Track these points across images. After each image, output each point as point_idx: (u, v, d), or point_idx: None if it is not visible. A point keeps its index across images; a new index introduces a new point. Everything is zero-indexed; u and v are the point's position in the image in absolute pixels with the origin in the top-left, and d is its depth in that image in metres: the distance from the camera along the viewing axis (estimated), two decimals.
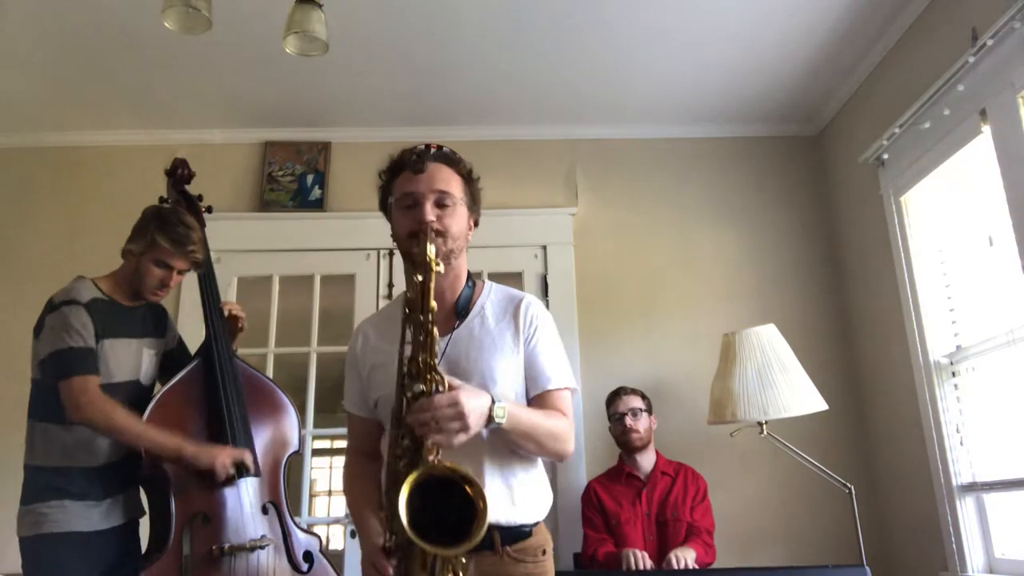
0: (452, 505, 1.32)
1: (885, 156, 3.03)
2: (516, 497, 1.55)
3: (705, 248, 3.58)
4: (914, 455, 2.92)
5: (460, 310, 1.63)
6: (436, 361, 1.43)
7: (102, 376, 2.14)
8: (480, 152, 3.60)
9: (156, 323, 2.38)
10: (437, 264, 1.46)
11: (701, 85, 3.39)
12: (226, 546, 2.08)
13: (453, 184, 1.62)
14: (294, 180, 3.62)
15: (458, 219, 1.61)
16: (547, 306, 3.45)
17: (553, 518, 3.19)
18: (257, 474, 2.22)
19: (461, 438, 1.38)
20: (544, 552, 1.60)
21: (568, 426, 1.61)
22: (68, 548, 2.05)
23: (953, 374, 2.78)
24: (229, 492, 2.15)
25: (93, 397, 2.07)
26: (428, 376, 1.41)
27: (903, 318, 2.95)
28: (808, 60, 3.21)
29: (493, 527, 1.48)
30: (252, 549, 2.12)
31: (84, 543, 2.07)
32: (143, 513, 2.27)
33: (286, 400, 2.43)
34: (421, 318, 1.44)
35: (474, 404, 1.40)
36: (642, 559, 2.64)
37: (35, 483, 2.11)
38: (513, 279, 3.52)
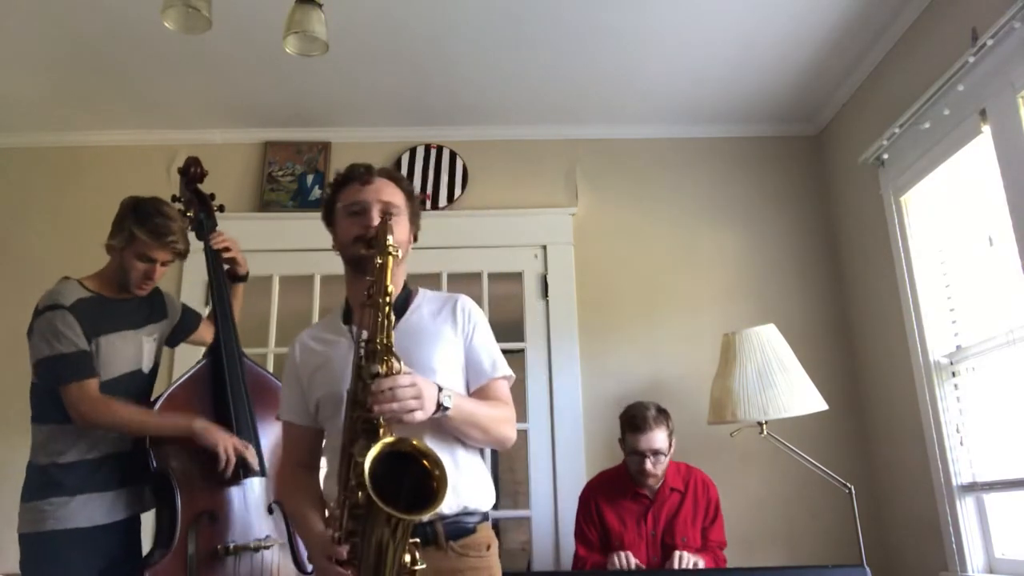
0: (409, 481, 1.37)
1: (885, 156, 3.03)
2: (458, 485, 1.57)
3: (705, 248, 3.58)
4: (914, 455, 2.92)
5: (398, 309, 1.69)
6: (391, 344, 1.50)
7: (103, 372, 2.14)
8: (480, 152, 3.67)
9: (153, 308, 2.37)
10: (396, 250, 1.56)
11: (701, 85, 3.38)
12: (231, 545, 2.08)
13: (397, 197, 1.74)
14: (294, 180, 3.62)
15: (400, 228, 1.71)
16: (547, 306, 3.47)
17: (553, 517, 3.20)
18: (263, 474, 2.21)
19: (419, 417, 1.45)
20: (489, 547, 1.65)
21: (511, 413, 1.70)
22: (69, 544, 2.05)
23: (953, 374, 2.78)
24: (235, 491, 2.15)
25: (93, 401, 2.07)
26: (385, 358, 1.48)
27: (903, 318, 2.95)
28: (808, 60, 3.21)
29: (436, 518, 1.56)
30: (257, 549, 2.11)
31: (85, 539, 2.06)
32: (146, 509, 2.26)
33: None
34: (380, 300, 1.51)
35: (427, 388, 1.48)
36: (625, 559, 2.54)
37: (36, 480, 2.11)
38: (513, 279, 3.52)
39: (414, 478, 1.38)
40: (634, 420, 2.70)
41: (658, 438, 2.65)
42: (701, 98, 3.49)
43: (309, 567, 2.22)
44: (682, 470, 2.80)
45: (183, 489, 2.10)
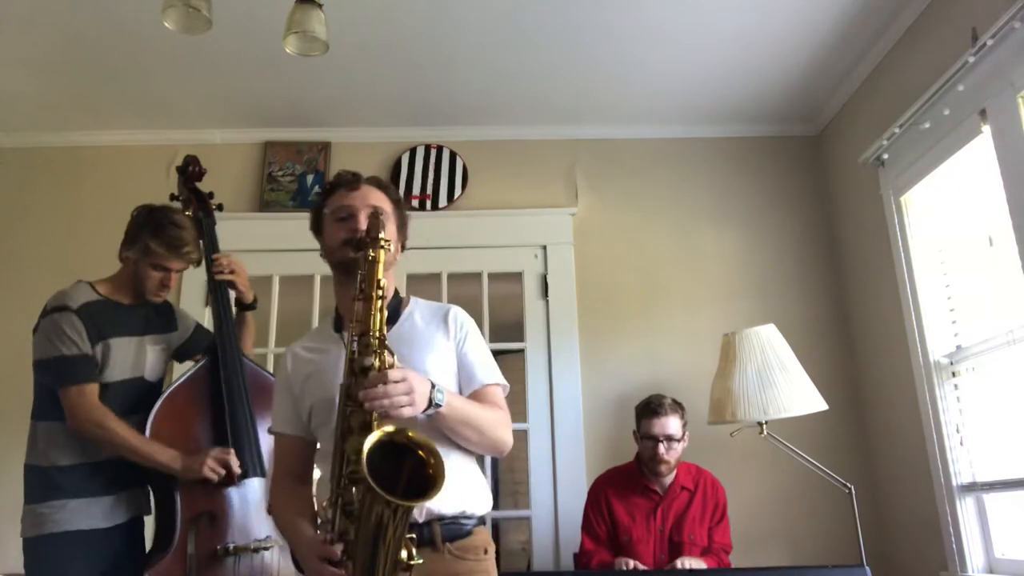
0: (405, 474, 1.36)
1: (885, 156, 3.03)
2: (453, 486, 1.53)
3: (705, 248, 3.58)
4: (914, 455, 2.92)
5: (390, 316, 1.68)
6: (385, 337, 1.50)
7: (105, 375, 2.14)
8: (480, 152, 3.67)
9: (161, 318, 2.37)
10: (388, 243, 1.57)
11: (701, 85, 3.39)
12: (231, 546, 2.09)
13: (385, 204, 1.75)
14: (294, 180, 3.62)
15: (388, 234, 1.70)
16: (547, 306, 3.47)
17: (554, 517, 3.21)
18: (263, 474, 2.21)
19: (408, 412, 1.44)
20: (486, 551, 1.63)
21: (506, 417, 1.69)
22: (71, 547, 2.04)
23: (953, 374, 2.78)
24: (234, 492, 2.16)
25: (88, 407, 2.07)
26: (378, 351, 1.47)
27: (903, 318, 2.95)
28: (808, 60, 3.21)
29: (434, 519, 1.55)
30: (256, 550, 2.12)
31: (87, 542, 2.06)
32: (148, 512, 2.26)
33: None
34: (372, 294, 1.52)
35: (419, 384, 1.47)
36: (633, 565, 2.55)
37: (37, 482, 2.11)
38: (513, 279, 3.52)
39: (410, 471, 1.36)
40: (650, 405, 2.79)
41: (672, 424, 2.72)
42: (701, 98, 3.49)
43: None
44: (692, 470, 2.84)
45: (183, 490, 2.10)
